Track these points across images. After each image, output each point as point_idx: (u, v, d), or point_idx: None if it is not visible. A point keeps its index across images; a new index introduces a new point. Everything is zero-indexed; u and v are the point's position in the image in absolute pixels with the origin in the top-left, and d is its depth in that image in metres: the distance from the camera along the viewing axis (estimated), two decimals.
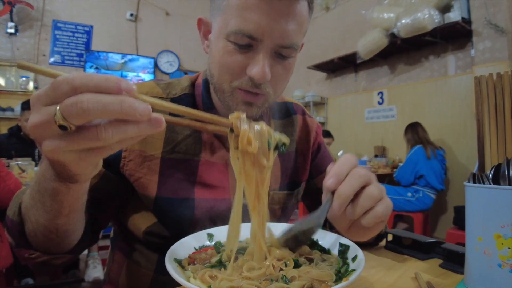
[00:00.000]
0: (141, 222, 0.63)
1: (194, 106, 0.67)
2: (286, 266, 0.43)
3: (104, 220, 0.64)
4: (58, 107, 0.28)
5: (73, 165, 0.33)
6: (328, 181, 0.43)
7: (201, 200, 0.62)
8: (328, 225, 0.78)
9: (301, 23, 0.55)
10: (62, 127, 0.28)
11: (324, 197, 0.45)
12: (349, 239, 0.50)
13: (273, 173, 0.69)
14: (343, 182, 0.42)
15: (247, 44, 0.53)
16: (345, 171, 0.43)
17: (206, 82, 0.67)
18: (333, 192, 0.43)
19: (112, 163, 0.59)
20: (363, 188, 0.42)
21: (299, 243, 0.49)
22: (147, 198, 0.61)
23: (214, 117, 0.39)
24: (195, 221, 0.61)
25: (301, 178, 0.78)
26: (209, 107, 0.66)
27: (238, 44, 0.53)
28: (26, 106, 2.63)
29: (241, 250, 0.47)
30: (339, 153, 3.85)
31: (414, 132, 3.16)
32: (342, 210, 0.42)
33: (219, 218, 0.63)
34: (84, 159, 0.32)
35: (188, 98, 0.67)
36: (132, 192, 0.62)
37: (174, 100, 0.65)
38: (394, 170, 3.34)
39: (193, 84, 0.70)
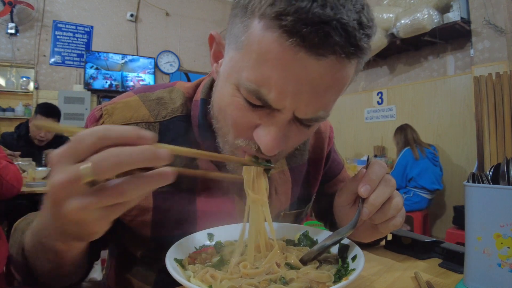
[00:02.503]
0: (138, 246, 0.57)
1: (187, 130, 0.56)
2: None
3: (99, 249, 0.59)
4: (89, 163, 0.28)
5: (95, 223, 0.32)
6: (362, 189, 0.44)
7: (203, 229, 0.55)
8: (327, 225, 0.78)
9: (341, 89, 0.42)
10: (91, 183, 0.28)
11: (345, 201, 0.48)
12: (353, 238, 0.50)
13: (283, 192, 0.64)
14: (375, 190, 0.44)
15: (260, 105, 0.41)
16: (377, 179, 0.44)
17: (204, 105, 0.55)
18: (363, 200, 0.44)
19: None
20: (390, 197, 0.45)
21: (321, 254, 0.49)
22: (143, 237, 0.55)
23: (229, 156, 0.38)
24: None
25: (313, 190, 0.72)
26: (206, 137, 0.55)
27: (249, 101, 0.41)
28: (39, 110, 2.57)
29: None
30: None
31: (403, 134, 3.17)
32: (369, 216, 0.44)
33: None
34: (107, 217, 0.31)
35: (180, 123, 0.55)
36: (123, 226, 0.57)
37: (163, 124, 0.55)
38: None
39: (189, 99, 0.58)
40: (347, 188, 0.50)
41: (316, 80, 0.37)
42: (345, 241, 0.49)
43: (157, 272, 0.58)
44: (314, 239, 0.52)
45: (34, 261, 0.45)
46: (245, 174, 0.47)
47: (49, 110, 2.58)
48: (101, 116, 0.53)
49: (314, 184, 0.71)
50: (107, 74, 4.79)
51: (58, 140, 2.71)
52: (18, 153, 2.34)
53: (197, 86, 0.59)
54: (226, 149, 0.49)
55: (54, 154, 0.29)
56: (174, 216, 0.54)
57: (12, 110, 4.16)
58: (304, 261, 0.46)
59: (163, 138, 0.54)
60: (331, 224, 0.77)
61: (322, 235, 0.53)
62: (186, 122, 0.56)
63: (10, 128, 2.90)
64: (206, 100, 0.55)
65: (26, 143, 2.61)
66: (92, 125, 0.54)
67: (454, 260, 0.58)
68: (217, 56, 0.50)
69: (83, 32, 4.73)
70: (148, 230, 0.54)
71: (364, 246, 0.56)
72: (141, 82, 5.03)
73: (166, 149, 0.30)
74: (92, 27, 4.79)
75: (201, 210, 0.56)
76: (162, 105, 0.56)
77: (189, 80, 5.64)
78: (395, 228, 0.46)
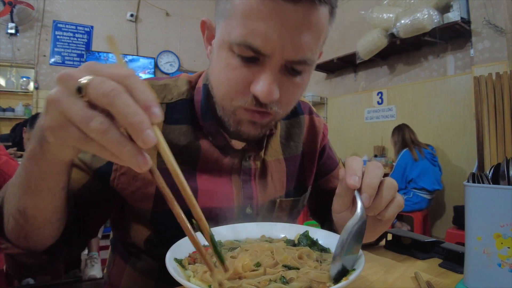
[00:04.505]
0: (141, 231, 0.59)
1: (191, 113, 0.61)
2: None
3: (93, 226, 0.59)
4: (92, 77, 0.27)
5: (55, 128, 0.29)
6: (351, 180, 0.42)
7: (204, 209, 0.57)
8: (327, 225, 0.78)
9: (319, 34, 0.47)
10: (79, 90, 0.27)
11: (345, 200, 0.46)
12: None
13: (279, 179, 0.67)
14: (364, 176, 0.43)
15: (252, 57, 0.46)
16: (359, 167, 0.43)
17: (206, 88, 0.60)
18: (358, 190, 0.43)
19: (102, 176, 0.55)
20: (381, 180, 0.43)
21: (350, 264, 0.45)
22: (144, 211, 0.57)
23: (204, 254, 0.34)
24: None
25: (308, 182, 0.74)
26: (207, 117, 0.60)
27: (242, 56, 0.46)
28: (32, 123, 2.45)
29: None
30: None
31: (400, 134, 3.16)
32: (371, 201, 0.42)
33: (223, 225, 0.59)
34: (75, 139, 0.28)
35: (185, 105, 0.60)
36: (123, 203, 0.58)
37: (169, 106, 0.59)
38: None
39: (192, 87, 0.63)
40: (339, 194, 0.47)
41: (295, 21, 0.43)
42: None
43: (160, 265, 0.59)
44: (314, 239, 0.52)
45: (7, 197, 0.43)
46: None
47: None
48: None
49: (309, 177, 0.74)
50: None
51: None
52: (14, 149, 2.34)
53: (200, 75, 0.65)
54: (226, 116, 0.54)
55: (65, 71, 0.30)
56: (175, 191, 0.55)
57: (12, 110, 4.17)
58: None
59: (169, 118, 0.58)
60: (326, 223, 0.78)
61: (322, 234, 0.53)
62: (190, 105, 0.61)
63: (10, 128, 2.87)
64: (208, 86, 0.59)
65: (21, 150, 2.56)
66: None
67: (454, 260, 0.58)
68: (210, 39, 0.56)
69: (83, 32, 4.74)
70: (150, 204, 0.56)
71: (364, 246, 0.56)
72: None
73: (154, 137, 0.27)
74: (92, 27, 4.79)
75: (201, 189, 0.58)
76: (168, 90, 0.61)
77: None
78: (400, 209, 0.44)
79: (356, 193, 0.43)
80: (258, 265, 0.43)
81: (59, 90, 0.29)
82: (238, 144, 0.61)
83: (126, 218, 0.61)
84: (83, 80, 0.27)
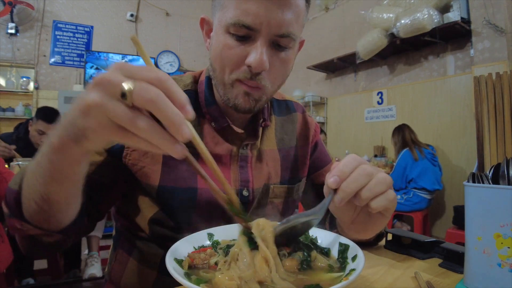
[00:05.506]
0: (146, 210, 0.63)
1: (196, 102, 0.68)
2: None
3: (103, 207, 0.62)
4: (135, 82, 0.31)
5: (98, 127, 0.33)
6: (330, 179, 0.43)
7: (204, 189, 0.63)
8: (327, 225, 0.78)
9: (298, 14, 0.57)
10: (123, 95, 0.30)
11: (326, 193, 0.45)
12: (350, 236, 0.50)
13: (273, 167, 0.73)
14: (347, 178, 0.42)
15: (245, 35, 0.55)
16: (348, 169, 0.43)
17: (208, 80, 0.69)
18: (334, 190, 0.43)
19: (116, 153, 0.60)
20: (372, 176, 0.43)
21: (295, 236, 0.48)
22: (150, 187, 0.61)
23: (223, 181, 0.42)
24: (198, 210, 0.62)
25: (301, 173, 0.79)
26: (211, 103, 0.67)
27: (237, 35, 0.55)
28: (41, 115, 2.44)
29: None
30: (346, 151, 3.86)
31: (401, 134, 3.16)
32: (343, 204, 0.42)
33: (221, 208, 0.63)
34: (110, 132, 0.32)
35: (191, 95, 0.68)
36: (134, 183, 0.63)
37: None
38: None
39: (196, 81, 0.71)
40: (325, 183, 0.47)
41: (278, 1, 0.53)
42: (345, 241, 0.49)
43: (163, 249, 0.61)
44: (313, 237, 0.52)
45: (28, 182, 0.45)
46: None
47: (51, 116, 2.48)
48: None
49: (303, 168, 0.79)
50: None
51: None
52: (13, 146, 2.32)
53: (202, 72, 0.73)
54: (225, 91, 0.61)
55: (105, 72, 0.32)
56: (180, 170, 0.63)
57: (12, 110, 4.17)
58: (277, 243, 0.43)
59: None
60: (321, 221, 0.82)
61: (318, 232, 0.53)
62: (194, 96, 0.69)
63: (10, 128, 2.86)
64: (210, 77, 0.68)
65: (25, 145, 2.56)
66: None
67: (454, 260, 0.58)
68: (209, 33, 0.65)
69: (83, 32, 4.74)
70: (156, 179, 0.61)
71: (364, 246, 0.56)
72: None
73: (189, 131, 0.32)
74: (92, 27, 4.79)
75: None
76: (175, 82, 0.66)
77: None
78: (390, 204, 0.43)
79: (331, 190, 0.44)
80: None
81: (101, 95, 0.31)
82: (237, 128, 0.68)
83: (132, 201, 0.65)
84: (125, 86, 0.31)
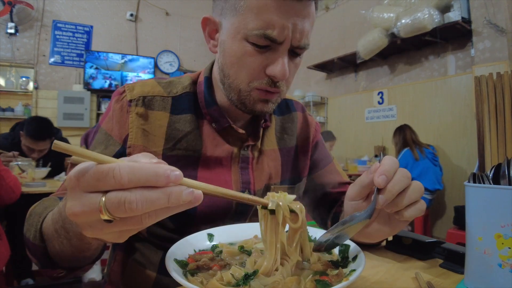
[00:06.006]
0: None
1: (195, 103, 0.68)
2: None
3: None
4: (103, 200, 0.27)
5: (111, 239, 0.33)
6: (379, 178, 0.43)
7: (204, 193, 0.62)
8: (329, 225, 0.78)
9: (312, 23, 0.58)
10: (107, 221, 0.28)
11: (357, 194, 0.49)
12: (357, 239, 0.50)
13: (274, 167, 0.73)
14: (392, 180, 0.43)
15: (266, 45, 0.55)
16: (392, 170, 0.44)
17: (207, 80, 0.68)
18: (378, 189, 0.44)
19: (120, 157, 0.60)
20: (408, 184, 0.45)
21: (338, 243, 0.47)
22: None
23: (250, 197, 0.41)
24: (197, 214, 0.62)
25: (302, 173, 0.78)
26: (211, 104, 0.67)
27: (257, 45, 0.55)
28: (28, 133, 2.29)
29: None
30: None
31: (402, 135, 3.16)
32: (385, 205, 0.43)
33: (220, 211, 0.64)
34: (123, 237, 0.32)
35: (189, 96, 0.68)
36: None
37: (175, 98, 0.66)
38: None
39: (194, 83, 0.70)
40: (361, 182, 0.49)
41: (300, 14, 0.54)
42: (346, 241, 0.48)
43: (162, 251, 0.63)
44: (313, 238, 0.52)
45: (54, 245, 0.46)
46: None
47: (39, 133, 2.28)
48: (124, 91, 0.64)
49: (303, 168, 0.79)
50: (107, 74, 4.79)
51: (55, 152, 2.59)
52: (17, 153, 2.30)
53: (200, 73, 0.73)
54: (241, 97, 0.60)
55: (71, 176, 0.28)
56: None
57: (12, 110, 4.18)
58: (317, 249, 0.45)
59: (175, 109, 0.66)
60: (319, 219, 0.83)
61: (319, 232, 0.52)
62: (193, 97, 0.69)
63: (9, 128, 2.84)
64: (209, 78, 0.69)
65: (21, 150, 2.42)
66: (116, 97, 0.64)
67: (454, 261, 0.57)
68: (212, 33, 0.63)
69: (82, 32, 4.74)
70: None
71: (364, 247, 0.56)
72: None
73: (191, 193, 0.29)
74: (91, 27, 4.80)
75: (200, 176, 0.64)
76: (173, 85, 0.69)
77: None
78: (420, 213, 0.45)
79: (375, 190, 0.44)
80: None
81: (84, 212, 0.29)
82: (239, 128, 0.68)
83: None
84: (107, 214, 0.28)
